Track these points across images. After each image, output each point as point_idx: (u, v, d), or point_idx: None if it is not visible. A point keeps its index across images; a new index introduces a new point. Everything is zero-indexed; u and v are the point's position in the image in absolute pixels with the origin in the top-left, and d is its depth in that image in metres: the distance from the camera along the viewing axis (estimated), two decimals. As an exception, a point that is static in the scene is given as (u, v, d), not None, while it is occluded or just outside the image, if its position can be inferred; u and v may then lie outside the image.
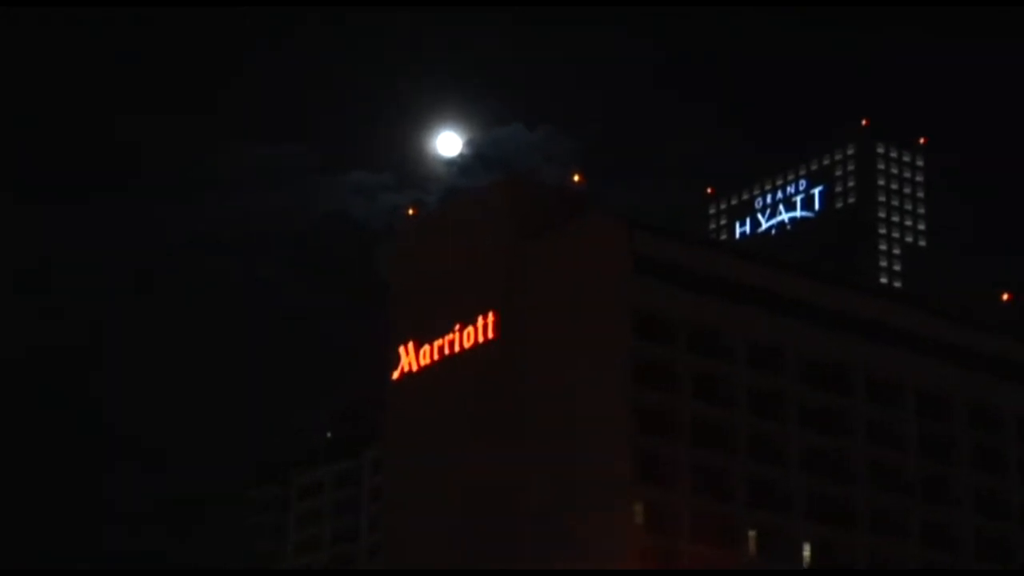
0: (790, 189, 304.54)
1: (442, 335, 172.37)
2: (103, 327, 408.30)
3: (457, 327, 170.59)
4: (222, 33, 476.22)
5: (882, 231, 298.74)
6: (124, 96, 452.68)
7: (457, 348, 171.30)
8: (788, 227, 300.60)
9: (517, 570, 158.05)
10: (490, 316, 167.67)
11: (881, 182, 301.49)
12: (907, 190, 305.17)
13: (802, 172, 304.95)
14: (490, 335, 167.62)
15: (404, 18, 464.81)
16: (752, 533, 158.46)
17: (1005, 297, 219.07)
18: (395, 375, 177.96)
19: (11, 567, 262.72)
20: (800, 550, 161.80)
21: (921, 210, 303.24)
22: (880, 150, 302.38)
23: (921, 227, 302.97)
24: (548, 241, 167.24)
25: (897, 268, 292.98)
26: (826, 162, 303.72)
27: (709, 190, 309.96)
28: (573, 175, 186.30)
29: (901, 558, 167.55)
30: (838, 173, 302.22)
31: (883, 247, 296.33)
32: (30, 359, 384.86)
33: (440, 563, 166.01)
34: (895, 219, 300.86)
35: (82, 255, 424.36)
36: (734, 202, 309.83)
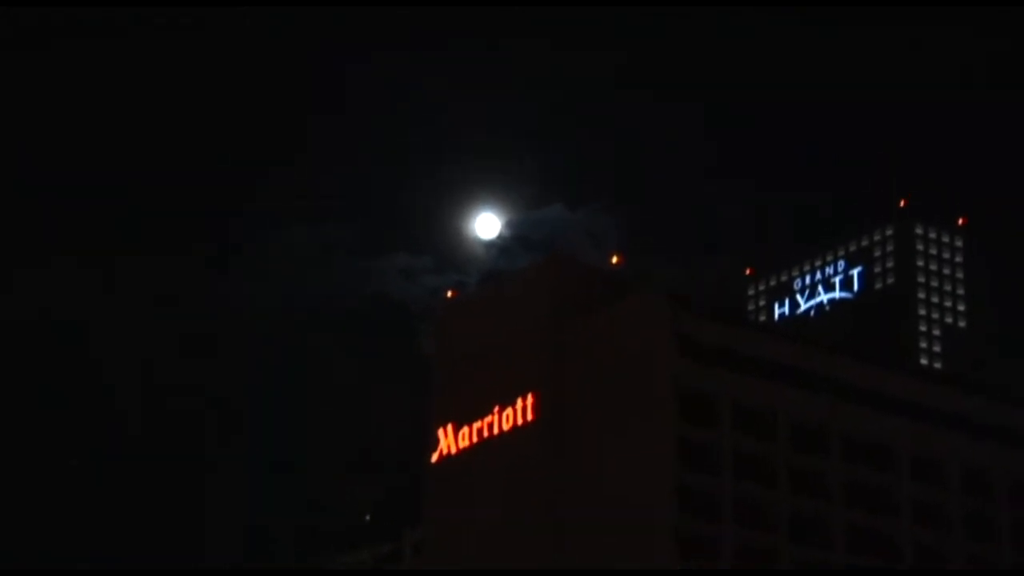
0: (829, 270, 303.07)
1: (481, 417, 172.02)
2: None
3: (496, 409, 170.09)
4: (277, 117, 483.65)
5: (921, 312, 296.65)
6: (187, 172, 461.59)
7: (496, 430, 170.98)
8: (827, 308, 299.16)
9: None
10: (529, 398, 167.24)
11: (920, 263, 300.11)
12: (946, 271, 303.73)
13: (841, 253, 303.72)
14: (529, 417, 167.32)
15: (442, 98, 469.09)
16: None
17: None
18: (434, 458, 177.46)
19: None
20: None
21: (960, 291, 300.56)
22: (919, 231, 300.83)
23: (961, 308, 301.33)
24: (589, 322, 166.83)
25: (937, 349, 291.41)
26: (864, 243, 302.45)
27: (748, 270, 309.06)
28: (612, 256, 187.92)
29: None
30: (877, 254, 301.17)
31: (923, 328, 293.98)
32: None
33: None
34: (935, 300, 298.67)
35: (135, 314, 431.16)
36: (773, 283, 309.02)
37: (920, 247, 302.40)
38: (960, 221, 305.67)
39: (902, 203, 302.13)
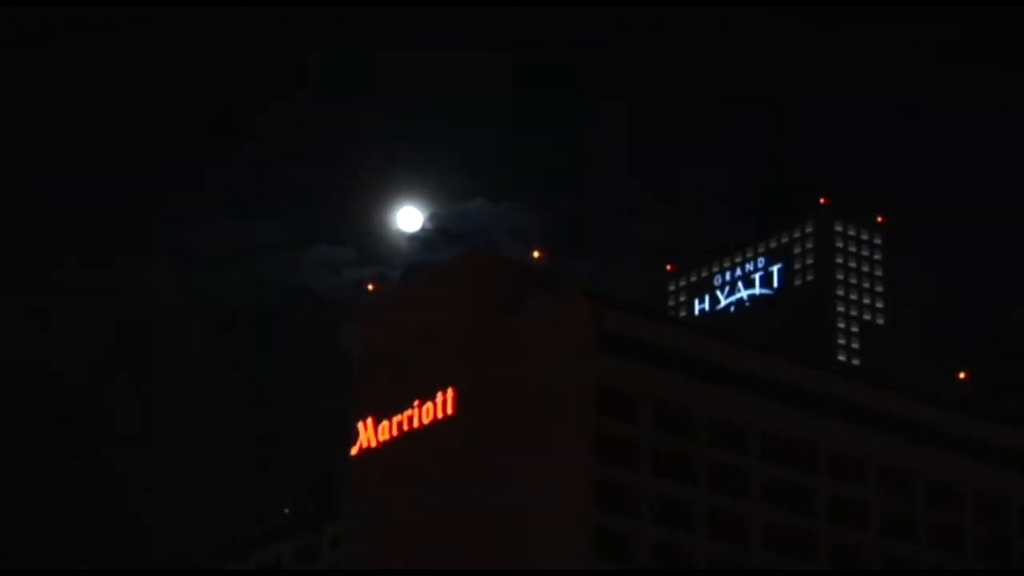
0: (749, 267, 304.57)
1: (401, 411, 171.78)
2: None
3: (416, 403, 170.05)
4: (205, 113, 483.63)
5: (840, 309, 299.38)
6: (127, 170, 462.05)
7: (416, 424, 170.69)
8: (747, 304, 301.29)
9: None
10: (450, 392, 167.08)
11: (839, 260, 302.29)
12: (865, 268, 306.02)
13: (761, 250, 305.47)
14: (449, 411, 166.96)
15: (365, 90, 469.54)
16: None
17: (962, 375, 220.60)
18: (354, 451, 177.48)
19: None
20: None
21: (879, 288, 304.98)
22: (838, 228, 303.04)
23: (879, 305, 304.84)
24: (510, 317, 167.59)
25: (855, 346, 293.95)
26: (784, 240, 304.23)
27: (669, 267, 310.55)
28: (534, 251, 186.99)
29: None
30: (796, 251, 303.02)
31: (841, 325, 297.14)
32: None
33: None
34: (853, 297, 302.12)
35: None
36: (693, 279, 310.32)
37: (839, 244, 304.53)
38: (879, 219, 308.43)
39: (822, 201, 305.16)
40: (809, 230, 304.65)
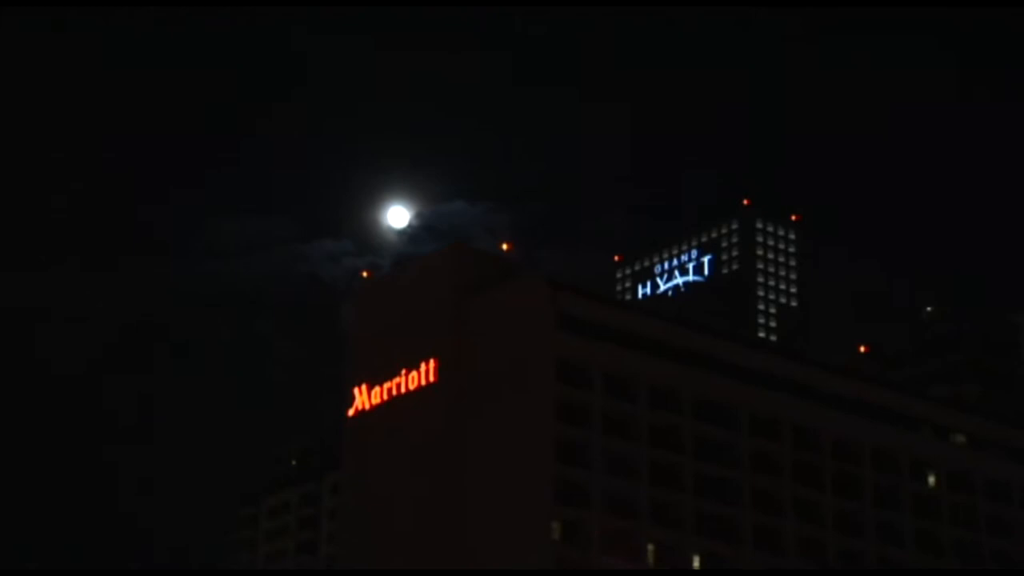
0: (684, 258, 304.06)
1: (390, 378, 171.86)
2: (106, 363, 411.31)
3: (403, 371, 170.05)
4: (208, 115, 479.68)
5: (760, 293, 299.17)
6: (143, 176, 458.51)
7: (403, 390, 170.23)
8: (682, 289, 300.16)
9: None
10: (431, 362, 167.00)
11: (760, 252, 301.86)
12: (781, 259, 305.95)
13: (694, 243, 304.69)
14: (431, 379, 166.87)
15: (365, 108, 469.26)
16: (651, 547, 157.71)
17: (862, 349, 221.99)
18: (351, 412, 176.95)
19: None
20: (691, 562, 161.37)
21: (793, 276, 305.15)
22: (759, 225, 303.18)
23: (792, 290, 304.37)
24: (483, 300, 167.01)
25: (772, 324, 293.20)
26: (714, 235, 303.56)
27: (617, 258, 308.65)
28: (504, 244, 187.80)
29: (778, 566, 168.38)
30: (724, 244, 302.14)
31: (761, 307, 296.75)
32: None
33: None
34: (771, 283, 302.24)
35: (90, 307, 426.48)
36: (637, 268, 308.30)
37: (760, 239, 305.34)
38: (793, 217, 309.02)
39: (746, 202, 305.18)
40: (735, 226, 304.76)
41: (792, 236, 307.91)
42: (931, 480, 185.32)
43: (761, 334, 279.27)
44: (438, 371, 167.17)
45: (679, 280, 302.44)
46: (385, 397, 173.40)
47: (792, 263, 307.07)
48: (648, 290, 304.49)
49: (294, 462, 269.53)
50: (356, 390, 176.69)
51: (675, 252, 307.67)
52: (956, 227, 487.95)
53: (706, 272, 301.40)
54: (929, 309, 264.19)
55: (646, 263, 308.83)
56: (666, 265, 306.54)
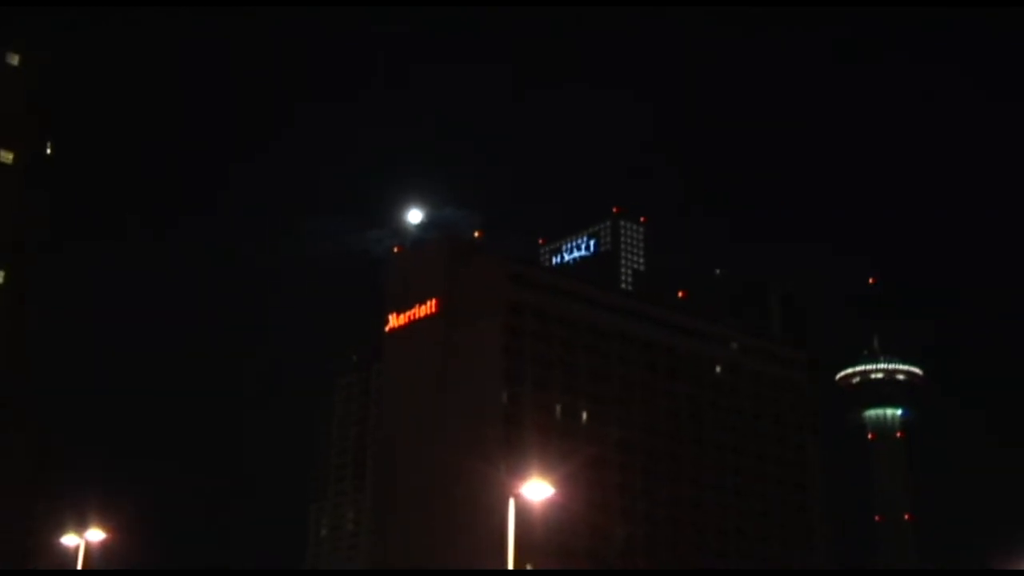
0: (580, 241, 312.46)
1: (410, 308, 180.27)
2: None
3: (417, 305, 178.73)
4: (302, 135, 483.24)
5: (623, 264, 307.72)
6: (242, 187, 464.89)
7: (417, 316, 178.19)
8: (579, 260, 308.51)
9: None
10: (434, 301, 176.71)
11: (623, 239, 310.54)
12: (635, 242, 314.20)
13: (585, 233, 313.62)
14: (434, 311, 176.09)
15: (398, 141, 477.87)
16: (559, 407, 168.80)
17: (680, 295, 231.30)
18: (387, 328, 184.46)
19: None
20: (581, 415, 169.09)
21: (642, 256, 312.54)
22: (623, 223, 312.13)
23: (642, 260, 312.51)
24: (464, 265, 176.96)
25: (631, 281, 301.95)
26: (596, 228, 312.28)
27: (541, 241, 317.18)
28: (476, 233, 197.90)
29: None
30: (603, 234, 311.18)
31: (623, 271, 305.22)
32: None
33: (415, 426, 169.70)
34: (630, 258, 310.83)
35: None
36: (553, 247, 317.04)
37: (623, 233, 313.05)
38: (642, 219, 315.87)
39: (615, 209, 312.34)
40: (608, 224, 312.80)
41: (642, 232, 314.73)
42: (718, 369, 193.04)
43: (622, 287, 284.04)
44: (439, 306, 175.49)
45: (577, 255, 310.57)
46: (406, 321, 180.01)
47: (642, 246, 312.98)
48: (559, 260, 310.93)
49: (354, 357, 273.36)
50: (391, 315, 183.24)
51: (574, 238, 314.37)
52: (757, 217, 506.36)
53: (591, 250, 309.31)
54: (718, 271, 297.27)
55: (559, 244, 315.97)
56: (570, 245, 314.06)
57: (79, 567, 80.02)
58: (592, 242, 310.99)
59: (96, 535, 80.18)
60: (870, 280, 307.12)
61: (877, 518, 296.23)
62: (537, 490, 53.97)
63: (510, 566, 57.21)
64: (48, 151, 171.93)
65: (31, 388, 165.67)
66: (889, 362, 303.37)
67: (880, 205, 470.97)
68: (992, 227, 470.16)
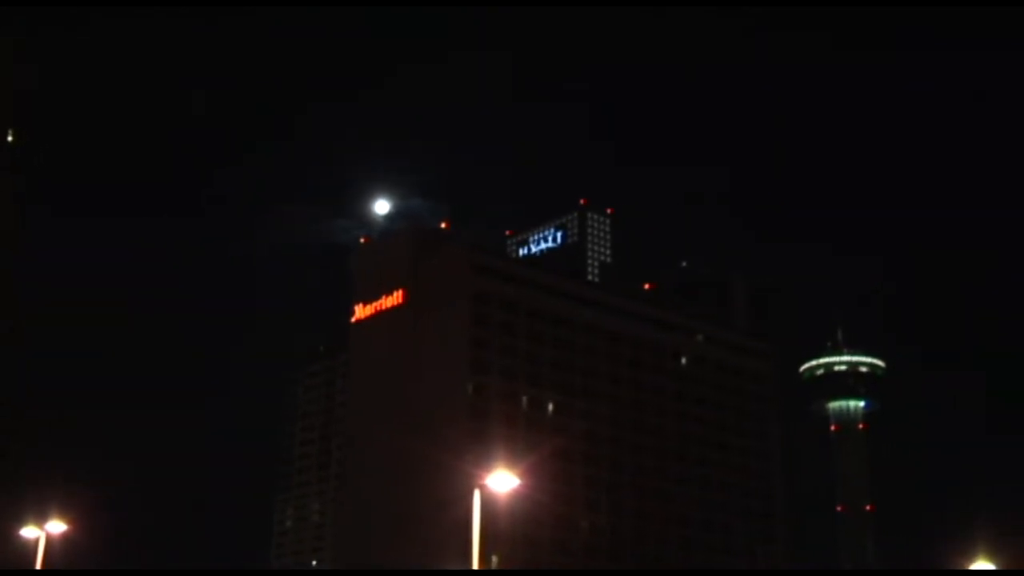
0: (547, 233, 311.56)
1: (376, 299, 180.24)
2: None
3: (383, 295, 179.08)
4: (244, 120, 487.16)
5: (590, 255, 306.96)
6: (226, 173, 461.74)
7: (383, 307, 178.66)
8: (545, 252, 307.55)
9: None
10: (401, 291, 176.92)
11: (589, 231, 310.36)
12: (602, 234, 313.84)
13: (552, 225, 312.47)
14: (400, 301, 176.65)
15: (360, 140, 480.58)
16: (525, 399, 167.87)
17: (647, 286, 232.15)
18: (353, 319, 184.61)
19: None
20: (547, 406, 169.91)
21: (608, 247, 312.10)
22: (590, 215, 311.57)
23: (608, 251, 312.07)
24: (431, 255, 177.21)
25: (597, 272, 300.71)
26: (564, 220, 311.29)
27: (508, 232, 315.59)
28: (443, 223, 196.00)
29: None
30: (569, 226, 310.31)
31: (590, 262, 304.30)
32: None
33: (381, 416, 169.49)
34: (598, 249, 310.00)
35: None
36: (520, 238, 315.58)
37: (590, 225, 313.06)
38: (608, 210, 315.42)
39: (582, 201, 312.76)
40: (575, 216, 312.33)
41: (608, 224, 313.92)
42: (683, 360, 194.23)
43: (588, 278, 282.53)
44: (405, 296, 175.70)
45: (544, 246, 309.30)
46: (373, 311, 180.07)
47: (608, 239, 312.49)
48: (525, 251, 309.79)
49: (320, 347, 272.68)
50: (357, 306, 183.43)
51: (541, 230, 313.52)
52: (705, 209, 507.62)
53: (559, 242, 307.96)
54: (684, 263, 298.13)
55: (525, 236, 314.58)
56: (536, 236, 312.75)
57: (39, 560, 78.92)
58: (559, 234, 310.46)
59: (57, 527, 77.90)
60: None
61: (839, 508, 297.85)
62: (503, 481, 53.84)
63: (475, 557, 57.12)
64: (9, 138, 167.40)
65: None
66: (852, 354, 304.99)
67: (844, 199, 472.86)
68: (956, 221, 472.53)
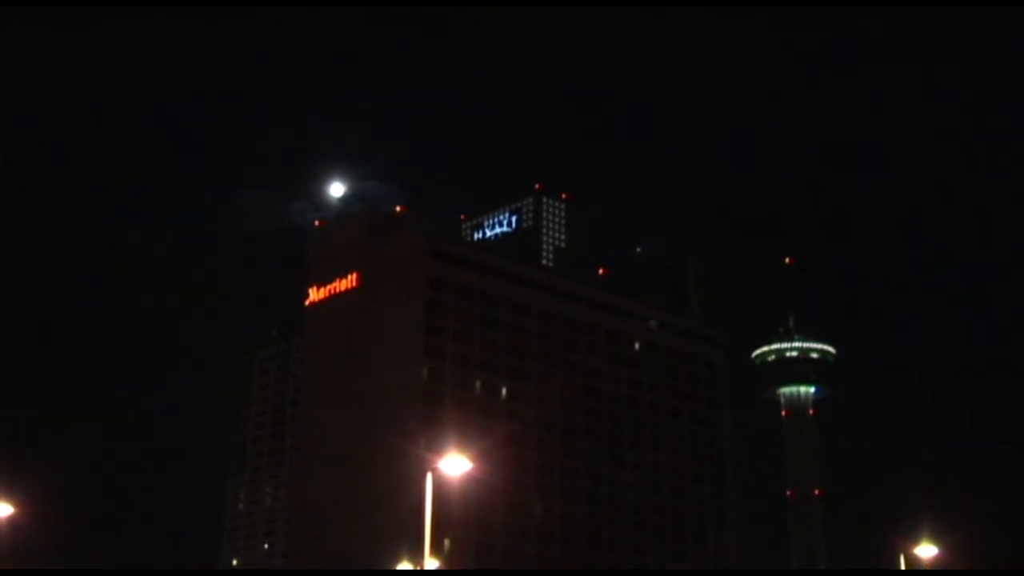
0: (501, 217, 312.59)
1: (331, 282, 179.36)
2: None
3: (338, 279, 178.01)
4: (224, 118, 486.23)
5: (545, 240, 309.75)
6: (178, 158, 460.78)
7: (338, 290, 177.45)
8: (500, 236, 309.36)
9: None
10: (355, 275, 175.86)
11: (544, 216, 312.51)
12: (557, 219, 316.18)
13: (507, 209, 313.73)
14: (354, 284, 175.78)
15: (315, 122, 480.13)
16: (478, 383, 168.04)
17: (601, 272, 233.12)
18: (308, 302, 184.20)
19: None
20: (500, 391, 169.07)
21: (563, 235, 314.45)
22: (545, 200, 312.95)
23: (563, 236, 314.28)
24: (386, 239, 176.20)
25: (552, 257, 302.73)
26: (518, 205, 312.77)
27: (463, 216, 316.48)
28: (398, 207, 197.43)
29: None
30: (525, 211, 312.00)
31: (545, 247, 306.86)
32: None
33: (334, 400, 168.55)
34: (551, 235, 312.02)
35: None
36: (475, 222, 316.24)
37: (545, 209, 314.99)
38: (564, 196, 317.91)
39: (537, 186, 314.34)
40: (530, 200, 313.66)
41: (563, 209, 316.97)
42: (636, 346, 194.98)
43: (543, 263, 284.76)
44: (359, 280, 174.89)
45: (499, 230, 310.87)
46: (328, 294, 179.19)
47: (563, 224, 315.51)
48: (481, 235, 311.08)
49: (274, 330, 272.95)
50: (311, 289, 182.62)
51: (496, 214, 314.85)
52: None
53: (514, 226, 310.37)
54: (639, 249, 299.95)
55: (480, 219, 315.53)
56: (491, 221, 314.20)
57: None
58: (514, 218, 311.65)
59: (3, 509, 75.80)
60: (787, 260, 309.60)
61: (789, 493, 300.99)
62: (455, 465, 53.82)
63: (427, 540, 57.36)
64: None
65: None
66: (803, 341, 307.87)
67: (800, 187, 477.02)
68: (914, 211, 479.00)
